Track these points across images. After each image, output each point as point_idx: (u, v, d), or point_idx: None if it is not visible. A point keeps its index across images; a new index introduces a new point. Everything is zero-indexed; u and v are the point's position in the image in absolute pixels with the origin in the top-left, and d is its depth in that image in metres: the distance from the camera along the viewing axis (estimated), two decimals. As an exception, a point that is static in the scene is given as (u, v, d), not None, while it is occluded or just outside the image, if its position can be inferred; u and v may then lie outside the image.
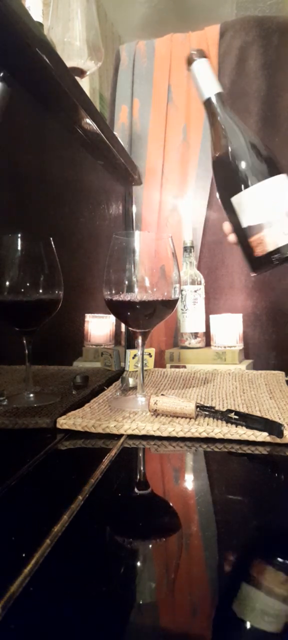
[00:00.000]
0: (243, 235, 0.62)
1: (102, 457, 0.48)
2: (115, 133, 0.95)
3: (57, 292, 0.59)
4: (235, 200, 0.61)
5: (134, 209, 1.12)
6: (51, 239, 0.60)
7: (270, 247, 0.59)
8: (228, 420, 0.54)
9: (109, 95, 1.22)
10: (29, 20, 0.53)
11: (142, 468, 0.50)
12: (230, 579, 0.29)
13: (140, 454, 0.52)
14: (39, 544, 0.31)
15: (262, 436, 0.51)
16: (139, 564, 0.32)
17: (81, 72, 0.81)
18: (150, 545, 0.34)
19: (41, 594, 0.27)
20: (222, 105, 0.63)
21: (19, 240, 0.56)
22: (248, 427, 0.52)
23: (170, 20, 1.18)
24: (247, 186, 0.60)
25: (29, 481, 0.44)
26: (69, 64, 0.74)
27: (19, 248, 0.56)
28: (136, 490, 0.44)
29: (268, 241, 0.59)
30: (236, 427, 0.52)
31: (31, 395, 0.59)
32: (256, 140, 0.62)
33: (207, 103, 0.64)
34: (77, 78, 0.75)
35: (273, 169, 0.61)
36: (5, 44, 0.52)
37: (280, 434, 0.50)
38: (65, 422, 0.56)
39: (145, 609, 0.27)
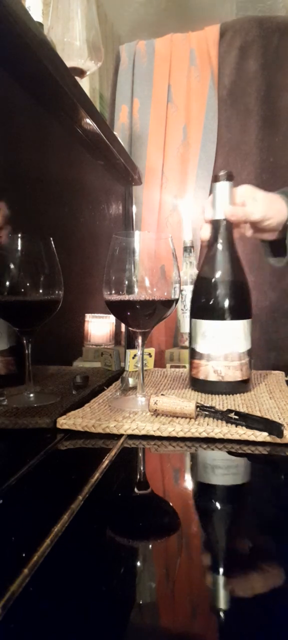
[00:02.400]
0: (190, 351, 0.72)
1: (102, 457, 0.48)
2: (115, 133, 0.95)
3: (57, 292, 0.59)
4: (193, 322, 0.71)
5: (134, 209, 1.12)
6: (51, 239, 0.60)
7: (203, 376, 0.69)
8: (228, 420, 0.54)
9: (108, 95, 1.22)
10: (29, 20, 0.53)
11: (142, 468, 0.50)
12: (230, 579, 0.29)
13: (140, 454, 0.52)
14: (39, 544, 0.31)
15: (262, 436, 0.51)
16: (138, 563, 0.32)
17: (81, 72, 0.81)
18: (150, 545, 0.34)
19: (41, 594, 0.27)
20: (226, 235, 0.69)
21: (19, 240, 0.56)
22: (248, 427, 0.52)
23: (170, 20, 1.18)
24: (206, 317, 0.68)
25: (29, 481, 0.43)
26: (69, 64, 0.74)
27: (19, 248, 0.56)
28: (136, 490, 0.44)
29: (202, 371, 0.69)
30: (236, 427, 0.52)
31: (31, 395, 0.59)
32: (240, 283, 0.69)
33: (216, 223, 0.70)
34: (77, 78, 0.75)
35: (240, 313, 0.68)
36: (5, 43, 0.52)
37: (280, 434, 0.50)
38: (65, 422, 0.56)
39: (145, 609, 0.27)
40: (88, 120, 0.74)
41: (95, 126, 0.76)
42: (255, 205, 0.69)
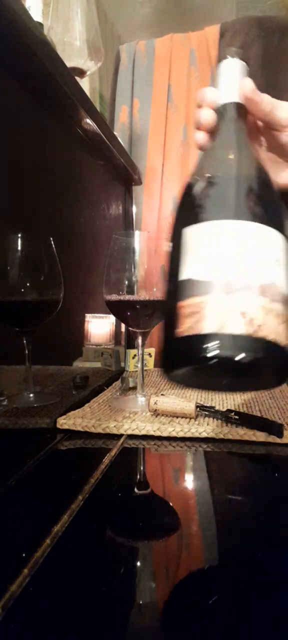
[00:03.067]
0: (175, 293, 0.35)
1: (102, 457, 0.48)
2: (115, 133, 0.95)
3: (57, 292, 0.59)
4: (188, 232, 0.36)
5: (134, 209, 1.12)
6: (51, 239, 0.60)
7: (209, 327, 0.31)
8: (229, 420, 0.54)
9: (108, 96, 1.22)
10: (29, 20, 0.53)
11: (142, 468, 0.50)
12: (230, 579, 0.29)
13: (140, 454, 0.52)
14: (39, 544, 0.31)
15: (262, 436, 0.51)
16: (139, 563, 0.32)
17: (81, 72, 0.80)
18: (150, 545, 0.34)
19: (41, 594, 0.27)
20: (242, 121, 0.44)
21: (19, 240, 0.56)
22: (248, 427, 0.52)
23: (170, 20, 1.19)
24: (220, 216, 0.35)
25: (29, 481, 0.43)
26: (69, 64, 0.74)
27: (19, 248, 0.56)
28: (136, 490, 0.44)
29: (211, 315, 0.32)
30: (236, 427, 0.52)
31: (31, 395, 0.59)
32: (265, 179, 0.40)
33: (223, 109, 0.44)
34: (77, 78, 0.75)
35: (279, 222, 0.37)
36: (5, 43, 0.52)
37: (280, 434, 0.50)
38: (65, 422, 0.56)
39: (145, 609, 0.27)
40: (88, 120, 0.74)
41: (95, 126, 0.76)
42: (282, 105, 0.45)
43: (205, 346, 0.31)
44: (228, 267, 0.33)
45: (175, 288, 0.35)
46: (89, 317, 0.88)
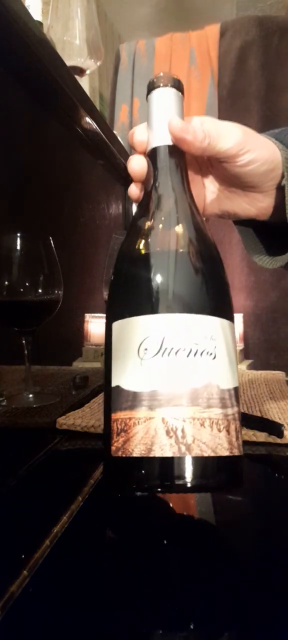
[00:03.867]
0: (106, 400, 0.32)
1: (102, 458, 0.48)
2: (115, 132, 0.94)
3: (56, 291, 0.59)
4: (117, 328, 0.31)
5: (134, 208, 1.12)
6: (51, 238, 0.60)
7: (138, 450, 0.28)
8: (229, 421, 0.54)
9: (108, 95, 1.22)
10: (28, 19, 0.53)
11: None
12: (230, 581, 0.29)
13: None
14: (38, 545, 0.31)
15: (262, 436, 0.51)
16: (139, 565, 0.32)
17: (81, 71, 0.80)
18: (151, 546, 0.34)
19: (41, 595, 0.27)
20: (179, 168, 0.35)
21: (18, 239, 0.56)
22: (248, 427, 0.52)
23: (170, 19, 1.18)
24: (146, 311, 0.30)
25: (29, 481, 0.43)
26: (69, 63, 0.73)
27: (18, 248, 0.56)
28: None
29: (137, 435, 0.28)
30: (236, 427, 0.52)
31: (31, 395, 0.59)
32: (209, 250, 0.33)
33: (154, 154, 0.35)
34: (77, 77, 0.75)
35: (216, 305, 0.31)
36: (4, 42, 0.52)
37: (280, 434, 0.49)
38: (64, 422, 0.55)
39: (145, 612, 0.27)
40: (88, 120, 0.74)
41: (95, 125, 0.75)
42: (223, 131, 0.37)
43: (133, 474, 0.29)
44: (153, 374, 0.28)
45: (106, 396, 0.31)
46: (88, 317, 0.88)
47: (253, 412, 0.59)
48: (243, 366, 0.98)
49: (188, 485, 0.28)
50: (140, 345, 0.29)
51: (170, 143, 0.35)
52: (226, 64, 1.14)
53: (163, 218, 0.33)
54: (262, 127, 1.20)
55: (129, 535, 0.35)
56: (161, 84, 0.36)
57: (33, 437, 0.54)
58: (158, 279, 0.31)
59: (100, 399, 0.67)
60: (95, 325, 0.88)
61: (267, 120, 1.12)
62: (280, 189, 0.39)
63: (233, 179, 0.39)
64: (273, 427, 0.50)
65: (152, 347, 0.29)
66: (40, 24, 0.73)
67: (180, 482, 0.28)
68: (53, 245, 0.60)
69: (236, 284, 1.11)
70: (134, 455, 0.28)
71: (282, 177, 0.38)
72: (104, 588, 0.28)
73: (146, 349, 0.29)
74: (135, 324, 0.30)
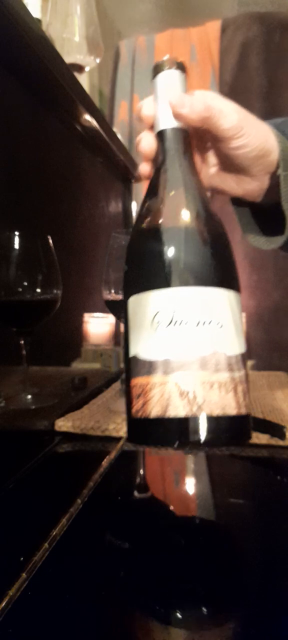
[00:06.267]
0: (126, 368, 0.35)
1: (101, 459, 0.47)
2: (114, 129, 0.94)
3: (55, 291, 0.59)
4: (132, 303, 0.35)
5: (134, 206, 1.12)
6: (49, 237, 0.59)
7: (155, 412, 0.32)
8: (230, 422, 0.53)
9: (108, 92, 1.22)
10: (27, 16, 0.52)
11: (141, 471, 0.49)
12: (231, 582, 0.29)
13: (140, 457, 0.51)
14: (37, 548, 0.31)
15: (265, 438, 0.50)
16: (138, 568, 0.31)
17: (80, 68, 0.80)
18: (151, 550, 0.34)
19: (39, 598, 0.27)
20: (183, 149, 0.37)
21: (16, 238, 0.56)
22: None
23: (170, 15, 1.18)
24: (159, 285, 0.33)
25: (27, 484, 0.43)
26: (68, 60, 0.73)
27: (16, 246, 0.56)
28: (136, 493, 0.43)
29: (153, 398, 0.32)
30: (238, 429, 0.52)
31: (29, 396, 0.59)
32: (215, 228, 0.36)
33: (162, 136, 0.38)
34: (76, 74, 0.74)
35: (223, 277, 0.34)
36: (3, 40, 0.52)
37: (282, 436, 0.49)
38: (63, 424, 0.55)
39: (145, 614, 0.26)
40: (87, 117, 0.73)
41: (95, 123, 0.75)
42: (225, 109, 0.38)
43: (152, 432, 0.32)
44: (169, 343, 0.32)
45: (125, 364, 0.35)
46: (87, 317, 0.87)
47: (255, 413, 0.58)
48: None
49: (201, 441, 0.31)
50: (154, 317, 0.33)
51: (176, 125, 0.37)
52: (227, 60, 1.13)
53: (172, 197, 0.36)
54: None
55: (128, 538, 0.35)
56: (166, 67, 0.38)
57: (31, 439, 0.54)
58: (167, 255, 0.34)
59: (99, 400, 0.66)
60: (94, 325, 0.88)
61: (268, 117, 1.11)
62: (271, 175, 0.40)
63: (224, 159, 0.41)
64: (275, 429, 0.50)
65: (164, 319, 0.32)
66: (39, 21, 0.72)
67: (194, 438, 0.31)
68: (51, 244, 0.59)
69: (237, 283, 1.10)
70: (151, 416, 0.32)
71: (277, 166, 0.39)
72: (103, 590, 0.28)
73: (159, 322, 0.32)
74: (148, 299, 0.33)
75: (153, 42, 1.18)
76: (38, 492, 0.43)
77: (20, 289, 0.55)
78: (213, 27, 1.14)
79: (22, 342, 0.58)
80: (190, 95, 0.37)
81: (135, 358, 0.33)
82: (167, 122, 0.37)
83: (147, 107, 0.39)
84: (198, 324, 0.32)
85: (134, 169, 1.04)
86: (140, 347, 0.33)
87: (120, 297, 0.59)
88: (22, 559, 0.29)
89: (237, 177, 0.41)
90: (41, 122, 0.70)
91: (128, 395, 0.34)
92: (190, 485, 0.46)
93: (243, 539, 0.35)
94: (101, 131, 0.78)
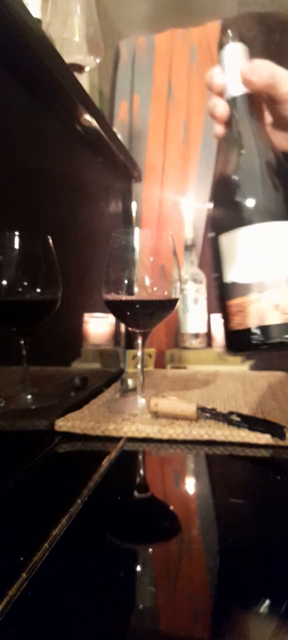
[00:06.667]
0: (223, 294, 0.43)
1: (101, 460, 0.47)
2: (114, 129, 0.94)
3: (55, 291, 0.59)
4: (225, 240, 0.43)
5: (135, 206, 1.12)
6: (49, 237, 0.59)
7: (252, 322, 0.41)
8: (230, 423, 0.53)
9: (108, 92, 1.21)
10: (27, 16, 0.52)
11: (142, 471, 0.49)
12: (231, 584, 0.29)
13: (140, 457, 0.51)
14: (37, 548, 0.31)
15: (265, 438, 0.50)
16: (139, 568, 0.31)
17: (80, 68, 0.80)
18: (151, 550, 0.34)
19: (40, 598, 0.27)
20: (250, 111, 0.46)
21: (17, 238, 0.56)
22: (250, 429, 0.51)
23: (170, 15, 1.17)
24: (246, 224, 0.42)
25: (27, 484, 0.43)
26: (68, 60, 0.73)
27: (17, 246, 0.55)
28: (136, 493, 0.43)
29: (252, 312, 0.41)
30: (238, 429, 0.52)
31: (29, 396, 0.59)
32: (283, 169, 0.45)
33: (232, 103, 0.46)
34: (76, 74, 0.74)
35: None
36: (3, 39, 0.52)
37: (282, 436, 0.49)
38: (63, 424, 0.55)
39: (145, 614, 0.26)
40: (87, 117, 0.73)
41: (95, 123, 0.75)
42: (285, 76, 0.46)
43: (252, 338, 0.41)
44: (261, 268, 0.41)
45: (221, 289, 0.44)
46: (87, 317, 0.87)
47: (255, 414, 0.58)
48: (245, 367, 0.97)
49: None
50: (249, 247, 0.41)
51: (245, 91, 0.45)
52: (227, 60, 1.13)
53: (248, 151, 0.44)
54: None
55: (128, 538, 0.35)
56: (231, 40, 0.47)
57: (31, 439, 0.53)
58: (252, 199, 0.42)
59: (99, 400, 0.66)
60: (94, 325, 0.87)
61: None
62: None
63: (278, 119, 0.47)
64: (275, 429, 0.49)
65: (258, 247, 0.41)
66: (39, 21, 0.72)
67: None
68: (51, 244, 0.59)
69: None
70: (251, 326, 0.41)
71: None
72: (103, 590, 0.28)
73: (253, 251, 0.41)
74: (240, 235, 0.42)
75: (153, 42, 1.18)
76: (38, 492, 0.43)
77: (20, 289, 0.55)
78: (213, 28, 1.14)
79: (22, 342, 0.58)
80: (254, 64, 0.45)
81: (233, 283, 0.42)
82: (237, 89, 0.45)
83: (217, 76, 0.47)
84: (282, 250, 0.41)
85: (134, 169, 1.04)
86: (237, 274, 0.42)
87: (120, 297, 0.59)
88: (22, 559, 0.30)
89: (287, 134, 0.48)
90: (41, 122, 0.69)
91: (226, 313, 0.43)
92: (190, 485, 0.46)
93: (243, 539, 0.34)
94: (101, 131, 0.78)
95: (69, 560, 0.31)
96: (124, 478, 0.47)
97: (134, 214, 1.11)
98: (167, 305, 0.60)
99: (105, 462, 0.47)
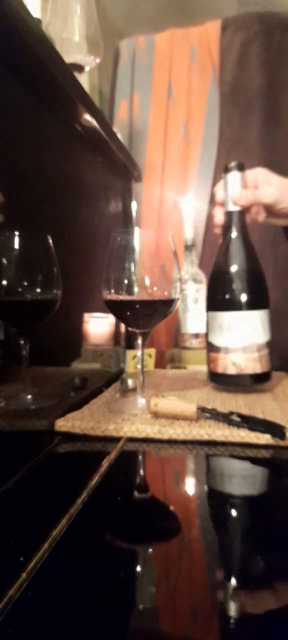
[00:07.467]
0: (207, 345, 0.71)
1: (101, 460, 0.47)
2: (114, 129, 0.94)
3: (55, 291, 0.59)
4: (209, 315, 0.71)
5: (135, 206, 1.11)
6: (49, 237, 0.59)
7: (220, 370, 0.68)
8: (230, 423, 0.53)
9: (108, 91, 1.21)
10: (27, 16, 0.52)
11: (142, 471, 0.49)
12: (231, 584, 0.29)
13: (140, 457, 0.51)
14: (37, 548, 0.31)
15: (265, 438, 0.50)
16: (139, 568, 0.31)
17: (80, 68, 0.80)
18: (151, 550, 0.34)
19: (39, 598, 0.27)
20: (240, 225, 0.69)
21: (17, 238, 0.56)
22: (250, 429, 0.51)
23: (170, 15, 1.17)
24: (220, 309, 0.68)
25: (27, 484, 0.43)
26: (68, 59, 0.73)
27: (16, 246, 0.55)
28: (136, 493, 0.43)
29: (220, 364, 0.68)
30: (238, 429, 0.52)
31: (29, 397, 0.59)
32: (256, 272, 0.69)
33: (229, 214, 0.70)
34: (76, 74, 0.74)
35: (257, 303, 0.67)
36: (2, 39, 0.51)
37: (283, 437, 0.49)
38: (63, 424, 0.55)
39: (145, 614, 0.26)
40: (87, 117, 0.73)
41: (95, 122, 0.75)
42: (268, 188, 0.69)
43: (219, 379, 0.70)
44: (226, 339, 0.67)
45: (206, 342, 0.72)
46: (87, 317, 0.87)
47: (255, 414, 0.58)
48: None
49: (245, 386, 0.68)
50: (220, 325, 0.68)
51: (237, 209, 0.70)
52: (227, 60, 1.13)
53: (234, 253, 0.69)
54: (264, 122, 1.19)
55: (128, 538, 0.35)
56: (232, 170, 0.70)
57: (31, 439, 0.53)
58: (228, 291, 0.68)
59: (99, 400, 0.66)
60: (94, 325, 0.87)
61: (269, 117, 1.11)
62: None
63: (272, 212, 0.72)
64: (276, 430, 0.49)
65: (225, 326, 0.67)
66: (39, 21, 0.72)
67: (241, 385, 0.68)
68: (51, 244, 0.59)
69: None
70: (219, 372, 0.68)
71: None
72: (103, 590, 0.28)
73: (222, 328, 0.68)
74: (218, 315, 0.69)
75: (153, 42, 1.18)
76: (38, 492, 0.42)
77: (20, 289, 0.55)
78: (213, 27, 1.14)
79: (22, 342, 0.58)
80: (245, 190, 0.69)
81: (210, 343, 0.70)
82: (232, 207, 0.70)
83: (219, 193, 0.72)
84: (242, 329, 0.67)
85: (134, 169, 1.04)
86: (213, 338, 0.69)
87: (119, 297, 0.59)
88: (22, 559, 0.30)
89: (281, 219, 0.73)
90: (41, 122, 0.69)
91: (207, 358, 0.71)
92: (190, 485, 0.46)
93: (243, 539, 0.34)
94: (101, 131, 0.78)
95: (69, 560, 0.31)
96: (124, 478, 0.46)
97: (134, 214, 1.11)
98: (167, 305, 0.60)
99: (105, 462, 0.46)
